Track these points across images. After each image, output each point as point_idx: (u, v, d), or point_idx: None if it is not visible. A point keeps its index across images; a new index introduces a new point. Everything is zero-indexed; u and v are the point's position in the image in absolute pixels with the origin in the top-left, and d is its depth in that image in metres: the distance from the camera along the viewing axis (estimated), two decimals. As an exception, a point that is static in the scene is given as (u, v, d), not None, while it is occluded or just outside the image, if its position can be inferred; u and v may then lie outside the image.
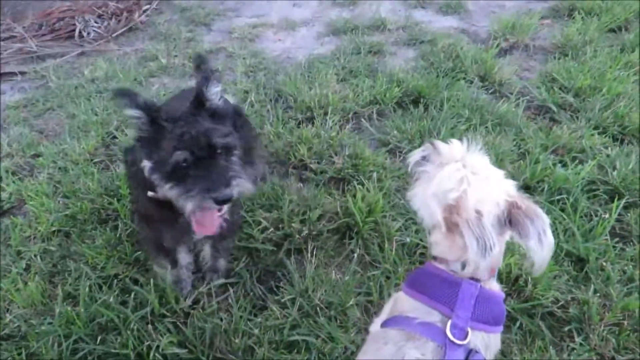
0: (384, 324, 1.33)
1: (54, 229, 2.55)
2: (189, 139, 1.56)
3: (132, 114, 1.58)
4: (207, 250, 2.26)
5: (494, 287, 1.33)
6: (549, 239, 1.19)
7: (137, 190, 1.95)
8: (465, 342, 1.19)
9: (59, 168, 3.02)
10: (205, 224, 1.67)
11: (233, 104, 2.67)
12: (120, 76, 4.08)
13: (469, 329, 1.21)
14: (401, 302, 1.38)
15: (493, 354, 1.30)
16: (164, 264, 2.15)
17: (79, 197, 2.72)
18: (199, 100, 1.68)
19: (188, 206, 1.55)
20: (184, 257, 2.23)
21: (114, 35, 4.96)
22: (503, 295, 1.35)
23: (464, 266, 1.31)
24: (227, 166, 1.60)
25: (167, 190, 1.60)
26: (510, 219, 1.23)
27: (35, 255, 2.41)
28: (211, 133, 1.59)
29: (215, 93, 1.70)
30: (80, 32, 4.92)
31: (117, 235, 2.48)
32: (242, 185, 1.58)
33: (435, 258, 1.41)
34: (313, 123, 3.34)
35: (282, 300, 2.18)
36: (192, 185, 1.54)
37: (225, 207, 1.68)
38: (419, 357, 1.16)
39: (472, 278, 1.30)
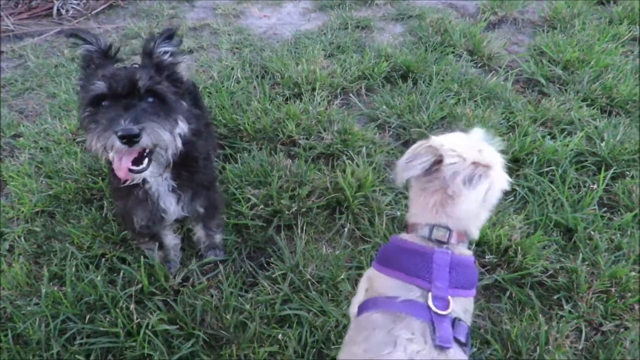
0: (365, 307, 1.30)
1: (37, 209, 2.49)
2: (111, 74, 1.50)
3: (88, 48, 1.56)
4: (200, 232, 2.22)
5: (465, 252, 1.32)
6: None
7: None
8: (448, 311, 1.19)
9: (41, 148, 2.94)
10: (121, 167, 1.53)
11: (188, 79, 2.63)
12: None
13: (450, 298, 1.21)
14: (377, 281, 1.35)
15: (470, 317, 1.31)
16: (149, 243, 2.12)
17: (62, 177, 2.66)
18: (145, 52, 1.64)
19: (92, 141, 1.45)
20: (171, 239, 2.20)
21: (93, 12, 4.81)
22: (473, 258, 1.35)
23: (431, 231, 1.31)
24: (147, 110, 1.50)
25: (85, 132, 1.51)
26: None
27: (19, 237, 2.35)
28: (137, 73, 1.51)
29: (164, 51, 1.64)
30: (58, 9, 4.77)
31: (103, 214, 2.43)
32: (155, 132, 1.47)
33: (407, 229, 1.42)
34: (301, 99, 3.29)
35: (273, 275, 2.17)
36: (101, 121, 1.45)
37: (145, 163, 1.54)
38: (409, 337, 1.14)
39: (440, 242, 1.30)
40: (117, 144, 1.41)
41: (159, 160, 1.62)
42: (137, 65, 1.64)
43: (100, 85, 1.48)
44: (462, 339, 1.16)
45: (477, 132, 1.40)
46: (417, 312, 1.19)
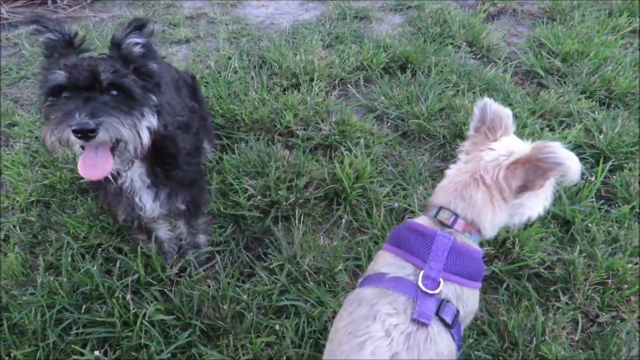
0: (361, 284, 1.33)
1: (32, 199, 2.47)
2: (73, 64, 1.42)
3: (50, 36, 1.48)
4: (182, 227, 2.17)
5: (468, 242, 1.32)
6: None
7: None
8: (436, 291, 1.19)
9: (36, 137, 2.91)
10: (86, 165, 1.47)
11: (188, 72, 2.59)
12: (98, 43, 3.92)
13: (441, 280, 1.22)
14: (378, 258, 1.38)
15: (470, 312, 1.31)
16: (141, 235, 2.10)
17: (57, 166, 2.63)
18: (113, 44, 1.56)
19: (46, 134, 1.38)
20: (163, 232, 2.18)
21: (89, 1, 4.75)
22: (481, 252, 1.35)
23: (438, 211, 1.34)
24: (108, 103, 1.42)
25: (42, 125, 1.44)
26: None
27: (14, 226, 2.34)
28: (101, 65, 1.43)
29: (133, 42, 1.56)
30: (53, -3, 4.69)
31: (99, 204, 2.41)
32: (113, 127, 1.39)
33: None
34: (299, 89, 3.27)
35: (270, 266, 2.16)
36: (57, 113, 1.37)
37: (118, 157, 1.50)
38: (390, 312, 1.16)
39: (444, 225, 1.32)
40: (72, 138, 1.35)
41: (124, 156, 1.56)
42: (104, 56, 1.56)
43: (60, 75, 1.40)
44: (448, 320, 1.17)
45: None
46: (404, 288, 1.21)
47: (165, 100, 1.83)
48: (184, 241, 2.23)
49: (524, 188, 1.30)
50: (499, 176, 1.29)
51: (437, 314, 1.16)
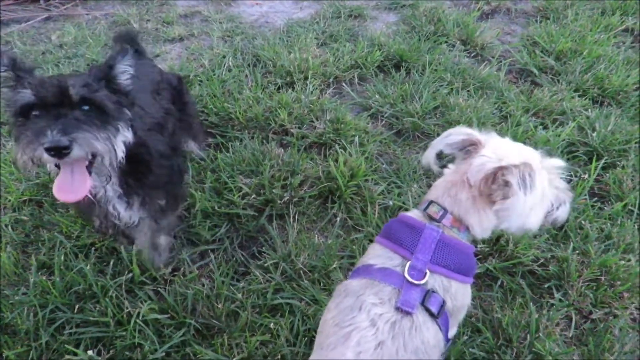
0: (350, 276, 1.34)
1: (25, 198, 2.45)
2: (40, 82, 1.39)
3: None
4: (145, 224, 2.04)
5: (459, 239, 1.33)
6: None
7: None
8: (422, 282, 1.20)
9: (28, 136, 2.88)
10: (63, 187, 1.43)
11: (175, 73, 2.56)
12: (90, 41, 3.90)
13: (428, 271, 1.23)
14: (369, 250, 1.40)
15: (461, 306, 1.32)
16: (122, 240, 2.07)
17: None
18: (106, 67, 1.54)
19: (17, 154, 1.34)
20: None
21: (81, -2, 4.72)
22: (472, 247, 1.36)
23: (428, 205, 1.36)
24: (80, 119, 1.38)
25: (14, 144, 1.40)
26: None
27: (6, 226, 2.31)
28: (70, 81, 1.40)
29: (123, 72, 1.56)
30: (45, -5, 4.66)
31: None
32: (89, 142, 1.35)
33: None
34: (293, 88, 3.26)
35: (265, 265, 2.15)
36: (27, 132, 1.33)
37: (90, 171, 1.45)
38: (375, 302, 1.17)
39: (432, 219, 1.33)
40: (45, 156, 1.31)
41: (101, 172, 1.54)
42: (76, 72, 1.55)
43: (26, 94, 1.36)
44: (433, 310, 1.18)
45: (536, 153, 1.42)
46: (390, 279, 1.22)
47: (139, 105, 1.80)
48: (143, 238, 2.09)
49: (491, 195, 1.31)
50: (478, 180, 1.30)
51: (422, 304, 1.17)
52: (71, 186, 1.43)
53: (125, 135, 1.56)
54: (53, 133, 1.29)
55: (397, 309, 1.15)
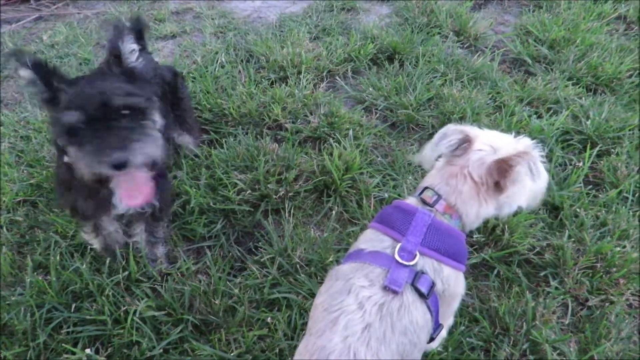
0: (343, 262, 1.34)
1: (19, 199, 2.44)
2: (81, 98, 1.43)
3: (24, 75, 1.45)
4: (141, 237, 2.09)
5: (449, 223, 1.35)
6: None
7: (58, 153, 1.78)
8: (412, 263, 1.21)
9: (21, 137, 2.87)
10: (130, 193, 1.52)
11: (169, 66, 2.56)
12: (82, 40, 3.88)
13: (417, 252, 1.24)
14: (361, 236, 1.41)
15: (454, 294, 1.32)
16: (89, 231, 2.05)
17: (44, 165, 2.60)
18: (113, 57, 1.55)
19: (83, 171, 1.44)
20: (109, 224, 2.07)
21: (72, -3, 4.68)
22: (462, 234, 1.37)
23: (422, 191, 1.39)
24: (128, 128, 1.45)
25: (70, 155, 1.47)
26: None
27: (1, 227, 2.30)
28: (109, 91, 1.45)
29: (131, 51, 1.57)
30: (36, -5, 4.62)
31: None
32: (144, 150, 1.43)
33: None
34: (287, 82, 3.25)
35: (262, 260, 2.15)
36: (87, 149, 1.41)
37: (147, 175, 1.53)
38: (364, 284, 1.17)
39: (426, 203, 1.35)
40: (111, 172, 1.41)
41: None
42: (103, 69, 1.55)
43: (73, 116, 1.40)
44: (423, 290, 1.18)
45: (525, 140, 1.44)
46: (380, 261, 1.23)
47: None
48: (144, 252, 2.10)
49: (499, 185, 1.34)
50: (483, 173, 1.33)
51: (412, 284, 1.18)
52: (138, 191, 1.52)
53: (160, 122, 1.59)
54: (114, 150, 1.37)
55: (385, 287, 1.15)
